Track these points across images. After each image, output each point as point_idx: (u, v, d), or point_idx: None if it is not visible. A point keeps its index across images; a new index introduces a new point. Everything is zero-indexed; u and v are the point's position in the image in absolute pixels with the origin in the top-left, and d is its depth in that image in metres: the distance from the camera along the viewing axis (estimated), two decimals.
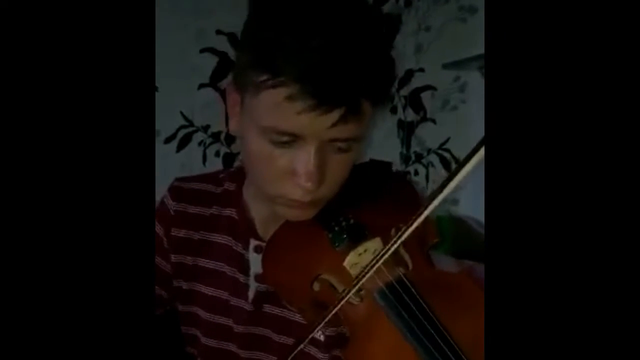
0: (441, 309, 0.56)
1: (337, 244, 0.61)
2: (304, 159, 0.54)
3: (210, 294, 0.70)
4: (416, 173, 1.79)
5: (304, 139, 0.53)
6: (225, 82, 1.61)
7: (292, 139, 0.54)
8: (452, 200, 1.83)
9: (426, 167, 1.79)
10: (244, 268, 0.68)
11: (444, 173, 1.80)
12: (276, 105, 0.52)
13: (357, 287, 0.55)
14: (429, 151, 1.78)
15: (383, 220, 0.61)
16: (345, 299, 0.55)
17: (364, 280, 0.55)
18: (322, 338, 0.63)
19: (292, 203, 0.58)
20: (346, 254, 0.59)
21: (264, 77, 0.51)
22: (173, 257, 0.72)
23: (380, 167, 0.79)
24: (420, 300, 0.57)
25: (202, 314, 0.70)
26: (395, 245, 0.53)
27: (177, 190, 0.74)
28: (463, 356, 0.53)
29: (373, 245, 0.59)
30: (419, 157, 1.78)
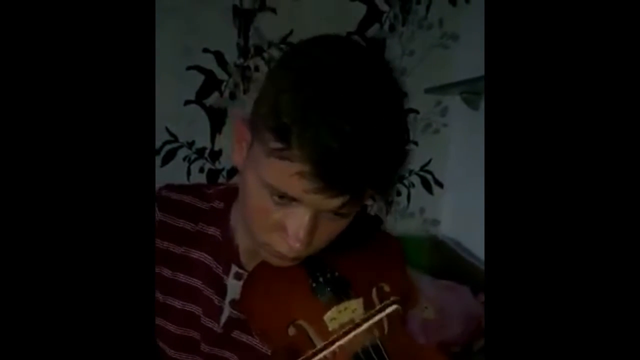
0: None
1: (319, 295, 0.61)
2: (297, 221, 0.53)
3: (183, 308, 0.70)
4: (398, 193, 1.81)
5: (302, 203, 0.52)
6: (212, 100, 1.63)
7: (290, 200, 0.52)
8: (433, 221, 1.85)
9: (408, 187, 1.82)
10: (221, 292, 0.68)
11: (424, 193, 1.82)
12: (284, 172, 0.50)
13: (332, 349, 0.56)
14: (410, 172, 1.81)
15: (367, 277, 0.62)
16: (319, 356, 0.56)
17: (341, 342, 0.56)
18: None
19: (277, 254, 0.58)
20: (327, 306, 0.60)
21: (278, 146, 0.49)
22: None
23: (370, 221, 0.79)
24: None
25: (173, 328, 0.70)
26: (370, 322, 0.55)
27: (164, 201, 0.72)
28: None
29: (354, 305, 0.60)
30: (401, 178, 1.80)
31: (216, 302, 0.68)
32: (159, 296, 0.71)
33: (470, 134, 1.70)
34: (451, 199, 1.81)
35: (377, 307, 0.56)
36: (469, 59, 1.69)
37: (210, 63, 1.60)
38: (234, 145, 0.59)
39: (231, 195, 0.70)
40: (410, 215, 1.83)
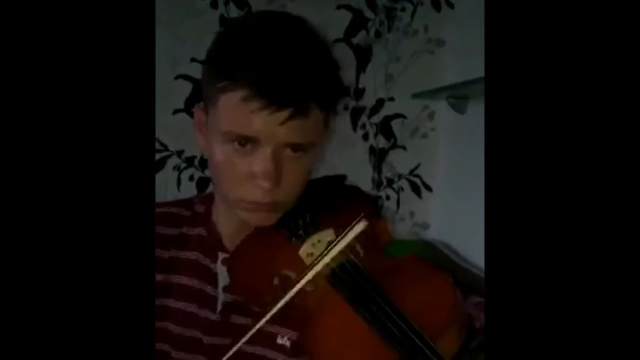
0: (388, 283, 0.60)
1: (293, 239, 0.65)
2: (261, 161, 0.60)
3: (181, 308, 0.71)
4: (387, 197, 1.82)
5: (260, 143, 0.60)
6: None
7: (249, 144, 0.60)
8: (423, 224, 1.87)
9: (397, 191, 1.83)
10: (212, 281, 0.71)
11: (414, 197, 1.84)
12: (233, 107, 0.59)
13: (309, 275, 0.58)
14: (399, 176, 1.82)
15: (338, 220, 0.66)
16: (302, 283, 0.59)
17: (316, 268, 0.58)
18: (287, 344, 0.65)
19: (253, 206, 0.63)
20: (302, 245, 0.64)
21: (224, 83, 0.59)
22: None
23: (336, 181, 0.83)
24: (368, 275, 0.61)
25: (174, 328, 0.71)
26: (346, 240, 0.59)
27: None
28: (412, 323, 0.56)
29: (327, 235, 0.65)
30: (390, 182, 1.82)
31: (210, 291, 0.71)
32: (156, 301, 0.72)
33: (458, 138, 1.72)
34: (440, 203, 1.83)
35: (346, 229, 0.60)
36: (455, 64, 1.72)
37: (198, 72, 1.61)
38: (196, 138, 0.69)
39: (210, 198, 0.76)
40: (400, 219, 1.84)
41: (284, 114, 0.58)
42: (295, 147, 0.61)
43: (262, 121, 0.58)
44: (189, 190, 1.65)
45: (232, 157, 0.61)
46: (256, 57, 0.59)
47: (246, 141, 0.60)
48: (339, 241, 0.60)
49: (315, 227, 0.65)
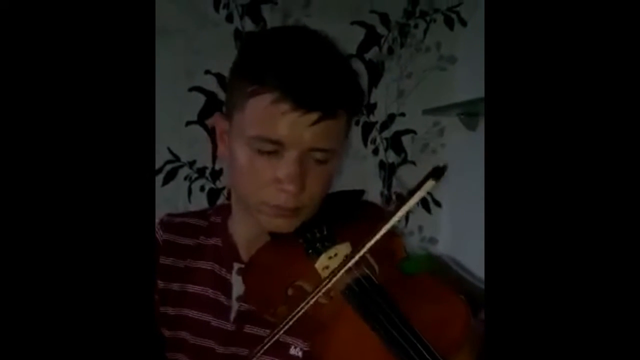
0: (402, 300, 0.60)
1: (310, 250, 0.65)
2: (286, 165, 0.61)
3: (195, 317, 0.72)
4: None
5: (286, 148, 0.60)
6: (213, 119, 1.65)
7: (275, 149, 0.60)
8: (431, 239, 1.87)
9: None
10: (227, 290, 0.72)
11: (423, 212, 1.84)
12: (262, 111, 0.60)
13: (325, 288, 0.58)
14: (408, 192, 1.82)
15: (354, 234, 0.66)
16: (315, 298, 0.58)
17: (333, 281, 0.58)
18: (300, 354, 0.65)
19: (275, 210, 0.63)
20: (318, 258, 0.64)
21: (254, 87, 0.61)
22: (160, 284, 0.74)
23: (353, 195, 0.83)
24: (384, 291, 0.61)
25: (189, 338, 0.72)
26: (364, 250, 0.58)
27: (166, 223, 0.79)
28: (425, 340, 0.55)
29: (343, 249, 0.64)
30: (399, 197, 1.82)
31: (224, 301, 0.71)
32: (171, 310, 0.73)
33: (468, 154, 1.72)
34: (449, 218, 1.83)
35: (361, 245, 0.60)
36: (466, 81, 1.72)
37: (211, 84, 1.63)
38: (218, 144, 0.69)
39: (226, 210, 0.76)
40: (409, 234, 1.84)
41: (312, 116, 0.59)
42: (320, 153, 0.62)
43: (289, 125, 0.59)
44: (199, 200, 1.66)
45: (257, 162, 0.62)
46: (286, 62, 0.61)
47: (272, 146, 0.61)
48: (356, 254, 0.59)
49: (332, 241, 0.66)
